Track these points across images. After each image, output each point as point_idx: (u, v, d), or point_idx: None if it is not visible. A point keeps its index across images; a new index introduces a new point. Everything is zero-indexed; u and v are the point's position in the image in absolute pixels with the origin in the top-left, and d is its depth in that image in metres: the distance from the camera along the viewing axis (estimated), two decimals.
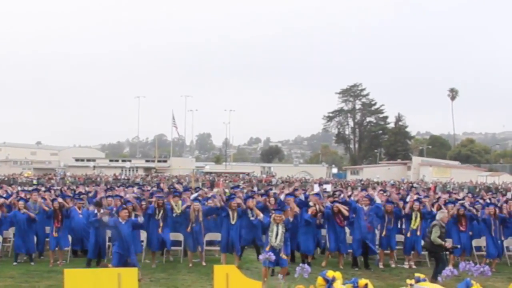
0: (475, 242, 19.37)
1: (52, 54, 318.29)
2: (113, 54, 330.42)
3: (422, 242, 18.03)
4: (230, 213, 17.68)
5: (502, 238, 19.08)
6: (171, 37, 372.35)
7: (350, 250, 18.78)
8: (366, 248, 18.29)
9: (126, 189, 24.80)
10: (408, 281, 7.07)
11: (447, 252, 16.73)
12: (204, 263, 18.21)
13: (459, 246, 18.13)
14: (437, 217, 16.44)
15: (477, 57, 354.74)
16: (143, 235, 18.67)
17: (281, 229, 14.79)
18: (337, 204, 18.46)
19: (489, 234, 18.88)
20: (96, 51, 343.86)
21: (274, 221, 14.98)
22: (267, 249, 14.51)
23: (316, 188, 24.16)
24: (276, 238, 14.67)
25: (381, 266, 18.54)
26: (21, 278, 15.81)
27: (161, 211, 18.45)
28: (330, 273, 7.33)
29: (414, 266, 18.31)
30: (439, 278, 6.98)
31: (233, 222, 17.61)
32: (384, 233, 18.82)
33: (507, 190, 58.73)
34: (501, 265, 18.98)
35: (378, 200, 19.19)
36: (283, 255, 14.65)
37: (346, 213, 18.30)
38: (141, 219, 16.05)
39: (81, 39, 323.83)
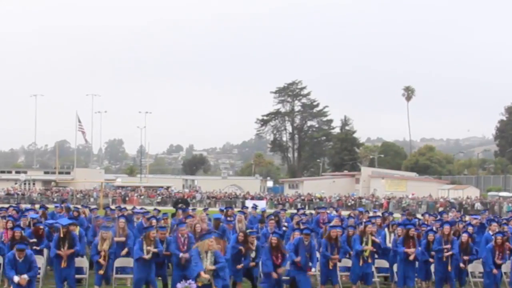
0: None
1: None
2: (4, 46, 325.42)
3: None
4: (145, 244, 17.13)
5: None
6: (74, 27, 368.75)
7: None
8: None
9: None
10: None
11: None
12: None
13: None
14: None
15: (436, 52, 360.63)
16: (40, 261, 18.35)
17: (210, 259, 14.39)
18: (275, 237, 17.34)
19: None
20: None
21: (202, 248, 14.56)
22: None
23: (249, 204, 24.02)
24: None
25: None
26: None
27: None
28: None
29: None
30: None
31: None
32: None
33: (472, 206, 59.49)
34: None
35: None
36: None
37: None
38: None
39: None
